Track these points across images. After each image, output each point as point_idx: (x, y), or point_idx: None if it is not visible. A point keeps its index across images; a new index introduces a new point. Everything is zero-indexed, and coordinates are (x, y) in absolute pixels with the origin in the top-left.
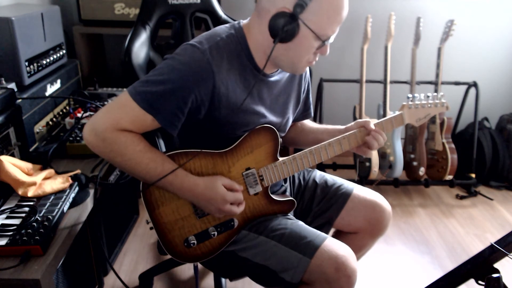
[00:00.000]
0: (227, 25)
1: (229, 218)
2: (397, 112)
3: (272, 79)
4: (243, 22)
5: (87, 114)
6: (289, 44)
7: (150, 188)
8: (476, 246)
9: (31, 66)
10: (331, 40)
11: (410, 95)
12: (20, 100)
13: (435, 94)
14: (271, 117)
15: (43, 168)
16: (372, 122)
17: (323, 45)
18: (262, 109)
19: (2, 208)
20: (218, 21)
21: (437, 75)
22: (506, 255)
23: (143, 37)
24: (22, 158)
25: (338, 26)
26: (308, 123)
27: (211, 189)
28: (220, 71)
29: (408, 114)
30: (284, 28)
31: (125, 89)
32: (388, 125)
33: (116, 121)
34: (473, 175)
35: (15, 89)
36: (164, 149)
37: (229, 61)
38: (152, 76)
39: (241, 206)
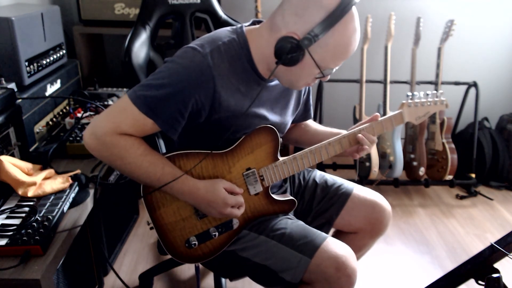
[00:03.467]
0: (228, 28)
1: (229, 218)
2: (397, 111)
3: (272, 83)
4: (246, 26)
5: (87, 114)
6: (291, 67)
7: (150, 190)
8: (476, 246)
9: (31, 66)
10: (333, 71)
11: (409, 94)
12: (20, 100)
13: (435, 92)
14: (271, 119)
15: (43, 168)
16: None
17: (323, 76)
18: (263, 112)
19: (2, 208)
20: (218, 21)
21: (437, 75)
22: (506, 255)
23: (143, 37)
24: (22, 158)
25: (342, 62)
26: (312, 124)
27: (212, 192)
28: (220, 75)
29: (407, 112)
30: (288, 54)
31: (125, 89)
32: (388, 123)
33: (116, 125)
34: (473, 175)
35: (15, 89)
36: (164, 150)
37: (230, 66)
38: (152, 79)
39: (241, 208)
